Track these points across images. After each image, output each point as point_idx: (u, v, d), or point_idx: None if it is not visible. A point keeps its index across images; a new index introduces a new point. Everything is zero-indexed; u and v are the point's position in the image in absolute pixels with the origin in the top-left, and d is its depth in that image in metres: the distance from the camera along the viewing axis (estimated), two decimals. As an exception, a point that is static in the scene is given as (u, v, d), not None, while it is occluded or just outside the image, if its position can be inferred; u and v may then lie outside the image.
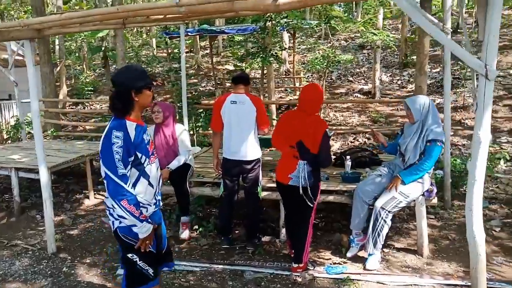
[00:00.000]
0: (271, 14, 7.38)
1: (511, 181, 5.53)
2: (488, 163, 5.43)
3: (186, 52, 14.68)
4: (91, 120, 11.02)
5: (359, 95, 11.29)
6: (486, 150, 2.43)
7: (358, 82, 12.61)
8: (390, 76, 12.60)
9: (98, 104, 12.81)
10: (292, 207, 3.60)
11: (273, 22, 7.99)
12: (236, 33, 9.55)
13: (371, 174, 3.97)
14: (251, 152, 4.00)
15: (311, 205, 3.45)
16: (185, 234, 4.38)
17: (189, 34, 10.51)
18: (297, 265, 3.54)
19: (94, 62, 20.10)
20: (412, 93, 10.79)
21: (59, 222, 4.93)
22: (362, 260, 3.74)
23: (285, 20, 8.59)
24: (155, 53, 20.77)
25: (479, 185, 2.45)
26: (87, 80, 15.42)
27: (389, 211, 3.57)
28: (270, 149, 6.37)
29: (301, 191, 3.35)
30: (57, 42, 12.99)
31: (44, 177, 4.13)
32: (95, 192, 5.88)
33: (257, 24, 8.33)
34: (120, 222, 2.41)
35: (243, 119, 3.97)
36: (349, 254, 3.80)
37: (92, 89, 14.05)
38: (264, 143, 4.67)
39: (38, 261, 3.97)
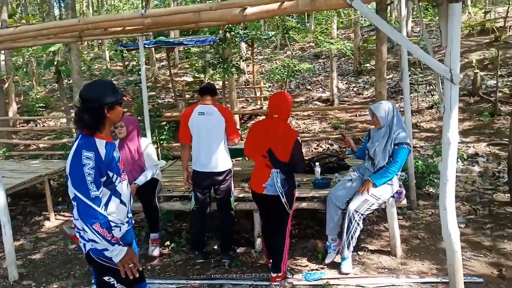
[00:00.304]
0: (231, 25, 7.41)
1: (469, 179, 5.82)
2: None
3: (133, 66, 14.38)
4: (44, 138, 10.50)
5: (318, 103, 11.52)
6: (455, 150, 2.54)
7: (316, 90, 12.88)
8: (346, 83, 12.97)
9: (51, 120, 12.25)
10: (268, 216, 3.59)
11: (232, 33, 8.02)
12: (195, 44, 9.50)
13: (342, 179, 4.04)
14: (221, 163, 3.96)
15: (287, 213, 3.45)
16: (155, 251, 4.24)
17: (146, 46, 10.32)
18: (276, 274, 3.52)
19: (43, 78, 19.26)
20: (369, 100, 11.16)
21: (18, 247, 4.62)
22: (339, 264, 3.77)
23: (244, 31, 8.64)
24: (108, 66, 20.24)
25: (451, 184, 2.55)
26: (38, 96, 14.71)
27: (362, 214, 3.65)
28: (239, 159, 6.35)
29: (283, 199, 3.36)
30: (2, 57, 12.32)
31: (1, 200, 3.86)
32: (55, 213, 5.59)
33: (216, 35, 8.32)
34: (92, 245, 2.28)
35: (212, 130, 3.93)
36: (327, 261, 3.81)
37: (43, 105, 13.43)
38: (234, 153, 4.64)
39: (-1, 291, 3.71)
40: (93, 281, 3.67)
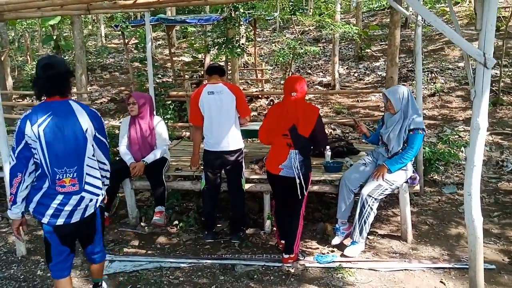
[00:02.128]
0: (237, 4, 7.26)
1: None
2: (453, 150, 5.70)
3: (136, 44, 14.14)
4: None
5: (319, 87, 11.46)
6: (484, 136, 2.51)
7: (317, 75, 12.80)
8: (347, 69, 12.91)
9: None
10: (283, 198, 3.56)
11: (237, 12, 7.87)
12: (198, 23, 9.30)
13: (356, 163, 4.02)
14: (233, 142, 3.90)
15: (303, 195, 3.43)
16: (160, 221, 4.07)
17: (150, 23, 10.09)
18: (288, 255, 3.52)
19: (37, 53, 18.86)
20: (370, 85, 11.14)
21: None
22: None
23: (249, 11, 8.49)
24: (104, 42, 19.87)
25: (478, 170, 2.53)
26: (34, 71, 14.43)
27: (375, 199, 3.64)
28: (250, 140, 6.29)
29: (297, 180, 3.32)
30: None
31: (8, 176, 3.76)
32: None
33: (221, 14, 8.16)
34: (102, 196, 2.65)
35: (223, 108, 3.85)
36: (333, 242, 3.81)
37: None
38: (246, 134, 4.59)
39: (7, 265, 3.64)
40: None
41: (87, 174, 2.50)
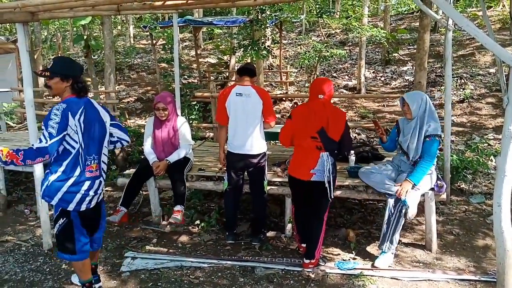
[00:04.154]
0: (264, 6, 7.27)
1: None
2: (482, 159, 5.54)
3: (163, 45, 14.34)
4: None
5: (344, 91, 11.35)
6: (516, 145, 2.43)
7: (342, 78, 12.68)
8: (373, 72, 12.73)
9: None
10: (308, 203, 3.51)
11: (264, 14, 7.88)
12: (225, 24, 9.36)
13: (380, 165, 3.95)
14: (257, 146, 3.90)
15: (328, 200, 3.40)
16: (176, 219, 3.94)
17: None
18: (309, 260, 3.48)
19: (68, 52, 19.39)
20: (397, 90, 10.95)
21: (51, 216, 4.67)
22: (371, 255, 3.73)
23: (275, 14, 8.50)
24: (132, 43, 20.25)
25: (509, 180, 2.45)
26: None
27: (403, 205, 3.55)
28: (272, 143, 6.28)
29: (326, 184, 3.30)
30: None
31: (38, 170, 3.88)
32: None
33: (248, 16, 8.19)
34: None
35: (249, 112, 3.86)
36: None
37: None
38: (269, 136, 4.59)
39: (34, 258, 3.75)
40: (125, 254, 3.72)
41: (102, 161, 2.89)
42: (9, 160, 2.52)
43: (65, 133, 2.62)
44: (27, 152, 2.54)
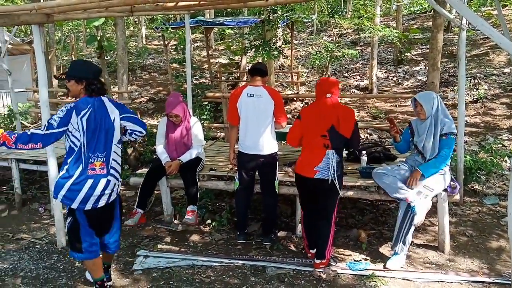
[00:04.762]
0: (276, 6, 7.27)
1: (518, 178, 5.57)
2: (496, 160, 5.47)
3: (175, 45, 14.44)
4: (83, 111, 10.74)
5: (356, 91, 11.29)
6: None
7: (354, 78, 12.61)
8: (385, 72, 12.64)
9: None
10: (315, 202, 3.52)
11: (275, 15, 7.88)
12: (236, 25, 9.39)
13: (391, 167, 3.92)
14: (268, 146, 3.91)
15: (336, 199, 3.40)
16: (190, 219, 4.04)
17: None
18: (320, 261, 3.47)
19: (81, 53, 19.63)
20: (410, 90, 10.86)
21: (64, 215, 4.74)
22: (383, 256, 3.71)
23: (287, 14, 8.49)
24: (144, 44, 20.41)
25: (524, 182, 2.41)
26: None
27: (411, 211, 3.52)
28: (283, 143, 6.27)
29: (330, 181, 3.32)
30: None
31: (53, 169, 3.94)
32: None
33: (259, 16, 8.20)
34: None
35: (260, 112, 3.87)
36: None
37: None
38: (280, 137, 4.59)
39: (48, 256, 3.82)
40: (137, 252, 3.76)
41: (112, 159, 2.87)
42: (1, 141, 2.57)
43: (65, 128, 2.68)
44: (20, 135, 2.61)
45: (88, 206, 2.78)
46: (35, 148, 2.67)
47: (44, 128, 2.66)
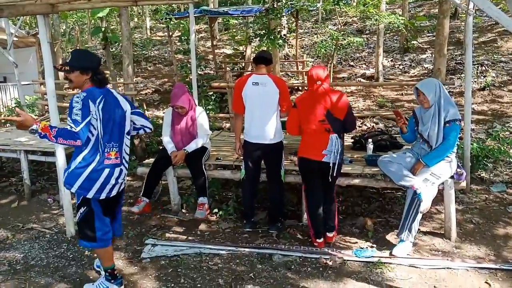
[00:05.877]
0: (280, -5, 7.21)
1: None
2: (503, 147, 5.43)
3: (179, 36, 14.41)
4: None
5: (362, 80, 11.22)
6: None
7: (360, 67, 12.54)
8: (392, 61, 12.54)
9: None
10: (321, 184, 3.65)
11: (279, 3, 7.80)
12: (240, 14, 9.34)
13: (398, 155, 3.91)
14: (273, 135, 3.91)
15: (336, 179, 3.67)
16: (202, 214, 4.10)
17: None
18: (332, 233, 3.73)
19: (86, 45, 19.65)
20: (416, 78, 10.77)
21: (72, 205, 4.80)
22: (389, 244, 3.72)
23: (291, 2, 8.42)
24: (149, 35, 20.39)
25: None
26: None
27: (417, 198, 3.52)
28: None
29: (337, 165, 3.54)
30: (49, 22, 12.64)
31: (61, 160, 3.97)
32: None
33: (263, 5, 8.14)
34: None
35: (266, 101, 3.87)
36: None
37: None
38: (285, 125, 4.58)
39: (58, 245, 3.87)
40: (146, 241, 3.81)
41: (124, 149, 2.93)
42: (43, 133, 2.53)
43: (89, 117, 2.65)
44: (62, 130, 2.58)
45: (103, 195, 2.82)
46: (75, 144, 2.65)
47: (71, 128, 2.60)
